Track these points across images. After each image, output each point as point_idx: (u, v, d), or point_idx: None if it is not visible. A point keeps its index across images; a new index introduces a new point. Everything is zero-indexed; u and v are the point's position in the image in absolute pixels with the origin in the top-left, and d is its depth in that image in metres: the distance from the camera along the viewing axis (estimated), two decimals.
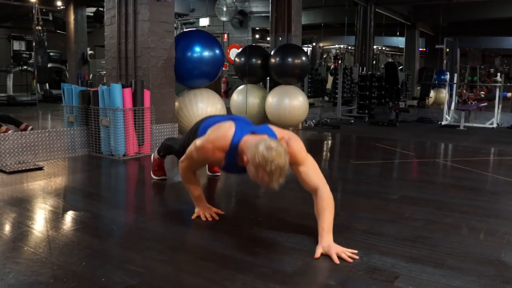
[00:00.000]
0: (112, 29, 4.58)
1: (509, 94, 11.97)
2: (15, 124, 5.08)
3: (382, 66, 11.95)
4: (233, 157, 2.14)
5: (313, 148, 5.54)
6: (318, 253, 1.92)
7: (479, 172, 3.86)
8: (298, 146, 2.14)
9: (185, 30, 9.61)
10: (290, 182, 2.41)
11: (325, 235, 1.99)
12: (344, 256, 1.90)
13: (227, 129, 2.14)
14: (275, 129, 2.21)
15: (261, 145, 1.91)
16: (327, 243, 1.96)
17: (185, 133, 2.84)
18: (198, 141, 2.22)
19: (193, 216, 2.43)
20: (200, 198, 2.47)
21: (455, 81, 8.43)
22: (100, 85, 4.97)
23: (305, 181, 2.13)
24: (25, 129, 4.87)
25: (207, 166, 3.50)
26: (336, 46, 13.70)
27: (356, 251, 1.96)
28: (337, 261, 1.86)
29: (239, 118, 2.49)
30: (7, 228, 2.26)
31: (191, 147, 2.27)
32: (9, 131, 4.45)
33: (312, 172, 2.14)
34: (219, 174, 3.49)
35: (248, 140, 2.06)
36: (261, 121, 6.62)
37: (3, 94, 9.28)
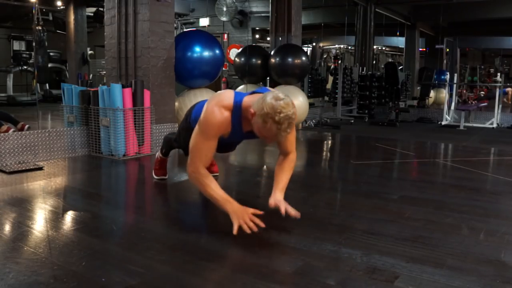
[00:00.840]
0: (112, 29, 4.58)
1: (508, 89, 11.96)
2: (13, 123, 5.08)
3: (382, 66, 11.95)
4: (237, 119, 2.11)
5: (313, 148, 5.54)
6: (272, 203, 2.21)
7: (479, 172, 3.86)
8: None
9: (185, 30, 9.61)
10: (290, 182, 2.42)
11: (278, 192, 2.28)
12: (289, 210, 2.19)
13: (227, 91, 2.17)
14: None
15: (269, 96, 1.93)
16: (279, 197, 2.25)
17: (181, 121, 2.81)
18: (202, 114, 2.15)
19: (235, 231, 2.05)
20: (229, 199, 2.14)
21: (455, 81, 8.43)
22: (100, 85, 4.98)
23: (283, 144, 2.31)
24: (21, 129, 4.87)
25: None
26: (336, 46, 13.70)
27: (298, 213, 2.20)
28: (284, 211, 2.17)
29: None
30: (7, 228, 2.26)
31: (195, 131, 2.16)
32: (10, 131, 4.45)
33: (291, 140, 2.34)
34: (217, 174, 3.49)
35: (251, 98, 2.07)
36: None
37: (3, 94, 9.28)
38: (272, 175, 2.44)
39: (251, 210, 2.13)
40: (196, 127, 2.18)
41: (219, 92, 2.23)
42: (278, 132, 1.91)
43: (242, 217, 2.09)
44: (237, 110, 2.10)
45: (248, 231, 2.04)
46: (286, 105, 1.89)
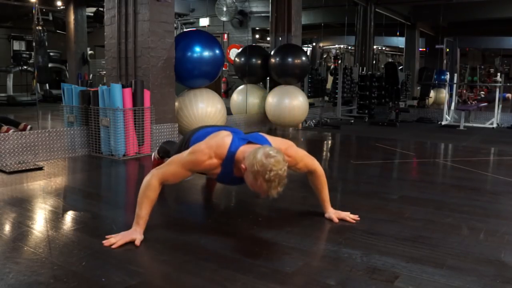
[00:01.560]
0: (112, 29, 4.58)
1: (508, 95, 11.96)
2: (13, 125, 5.07)
3: (382, 66, 11.94)
4: (229, 166, 2.13)
5: (313, 148, 5.54)
6: (336, 219, 2.40)
7: (479, 172, 3.86)
8: (294, 151, 2.30)
9: (185, 30, 9.61)
10: (290, 182, 2.41)
11: (328, 206, 2.47)
12: (347, 218, 2.41)
13: (225, 138, 2.14)
14: (268, 138, 2.25)
15: (259, 152, 1.93)
16: (332, 211, 2.46)
17: (180, 140, 2.79)
18: (192, 147, 2.15)
19: (106, 242, 2.02)
20: (144, 220, 2.08)
21: (455, 81, 8.43)
22: (100, 85, 4.98)
23: (303, 167, 2.37)
24: (24, 129, 4.86)
25: None
26: (336, 46, 13.69)
27: (358, 218, 2.42)
28: (349, 219, 2.42)
29: (233, 129, 2.43)
30: (7, 228, 2.26)
31: (182, 154, 2.16)
32: (10, 131, 4.45)
33: (307, 160, 2.39)
34: None
35: (246, 149, 2.06)
36: (261, 121, 6.63)
37: (3, 94, 9.28)
38: None
39: (137, 241, 2.02)
40: (185, 152, 2.16)
41: (218, 137, 2.17)
42: (268, 189, 1.92)
43: (129, 236, 2.04)
44: (230, 159, 2.11)
45: (107, 243, 2.00)
46: (276, 163, 1.89)
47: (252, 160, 1.92)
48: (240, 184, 2.29)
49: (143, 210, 2.08)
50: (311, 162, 2.40)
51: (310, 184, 2.49)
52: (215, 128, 2.41)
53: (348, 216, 2.43)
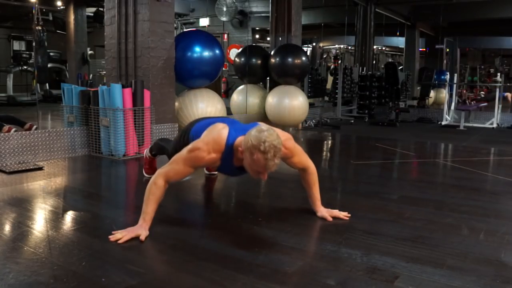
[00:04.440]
0: (112, 29, 4.58)
1: (507, 94, 11.96)
2: (19, 125, 5.07)
3: (382, 66, 11.94)
4: (228, 157, 2.17)
5: (313, 148, 5.54)
6: (329, 217, 2.39)
7: (479, 172, 3.86)
8: (292, 144, 2.31)
9: (185, 30, 9.60)
10: (290, 182, 2.41)
11: (319, 204, 2.47)
12: (339, 215, 2.42)
13: (221, 131, 2.17)
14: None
15: (253, 130, 2.01)
16: (324, 209, 2.46)
17: (177, 135, 2.82)
18: (191, 145, 2.19)
19: (112, 238, 2.07)
20: (150, 217, 2.15)
21: (455, 81, 8.43)
22: (100, 85, 4.97)
23: (298, 164, 2.40)
24: (29, 129, 4.86)
25: None
26: (336, 46, 13.68)
27: (349, 215, 2.43)
28: (331, 219, 2.40)
29: (230, 120, 2.46)
30: (7, 228, 2.26)
31: (182, 152, 2.19)
32: (12, 130, 4.45)
33: (302, 157, 2.41)
34: (216, 173, 3.50)
35: (242, 138, 2.10)
36: (261, 121, 6.61)
37: (3, 94, 9.27)
38: (272, 175, 2.43)
39: (142, 237, 2.06)
40: (185, 149, 2.20)
41: (214, 131, 2.20)
42: (266, 162, 1.95)
43: (135, 231, 2.09)
44: (229, 151, 2.16)
45: (113, 239, 2.05)
46: (269, 135, 1.96)
47: (247, 137, 2.00)
48: (240, 175, 2.39)
49: (149, 207, 2.15)
50: (306, 159, 2.44)
51: (302, 183, 2.52)
52: (212, 120, 2.43)
53: (340, 213, 2.46)
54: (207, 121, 2.44)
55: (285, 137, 2.26)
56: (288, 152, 2.28)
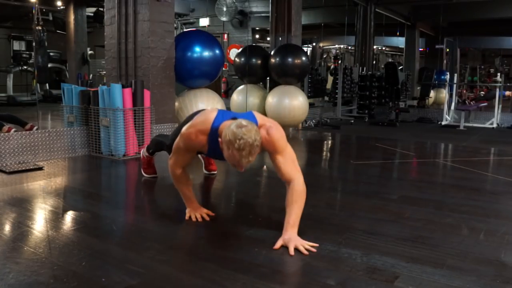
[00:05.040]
0: (112, 29, 4.58)
1: (507, 93, 11.97)
2: (20, 125, 5.07)
3: (382, 66, 11.94)
4: (214, 140, 2.16)
5: (313, 148, 5.54)
6: (278, 245, 2.02)
7: (479, 172, 3.86)
8: (278, 134, 2.17)
9: (185, 30, 9.60)
10: None
11: (289, 228, 2.07)
12: (301, 248, 1.98)
13: (209, 114, 2.22)
14: (258, 116, 2.23)
15: (233, 123, 1.99)
16: (288, 236, 2.04)
17: (178, 126, 2.84)
18: (182, 130, 2.28)
19: (186, 217, 2.42)
20: (191, 198, 2.45)
21: (455, 81, 8.43)
22: (100, 85, 4.97)
23: (281, 171, 2.18)
24: (30, 129, 4.86)
25: (203, 164, 3.51)
26: (336, 46, 13.69)
27: (316, 245, 2.03)
28: (292, 252, 1.95)
29: (228, 111, 2.46)
30: (7, 228, 2.26)
31: (177, 140, 2.32)
32: (12, 131, 4.45)
33: (288, 162, 2.18)
34: (215, 172, 3.50)
35: (227, 123, 2.10)
36: None
37: (3, 94, 9.28)
38: (272, 175, 2.44)
39: (205, 210, 2.45)
40: (178, 137, 2.31)
41: (202, 113, 2.31)
42: (240, 158, 1.95)
43: (194, 212, 2.43)
44: (214, 134, 2.16)
45: (194, 219, 2.39)
46: (247, 132, 1.93)
47: (226, 130, 1.99)
48: None
49: (185, 192, 2.43)
50: (291, 168, 2.16)
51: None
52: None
53: (303, 245, 2.00)
54: (201, 110, 2.51)
55: (271, 124, 2.18)
56: (268, 142, 2.11)
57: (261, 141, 2.01)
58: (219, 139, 2.06)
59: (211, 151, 2.27)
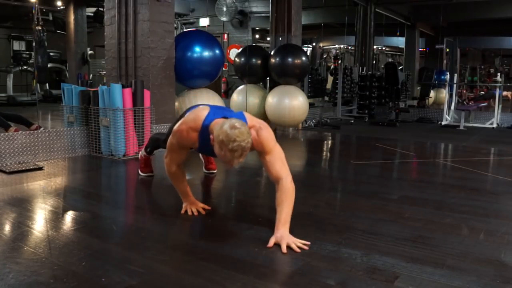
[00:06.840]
0: (112, 29, 4.58)
1: (504, 93, 11.96)
2: (25, 125, 5.07)
3: (382, 66, 11.95)
4: (205, 137, 2.20)
5: (313, 148, 5.54)
6: (271, 243, 2.04)
7: (479, 172, 3.86)
8: (267, 135, 2.21)
9: (185, 30, 9.60)
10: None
11: (280, 226, 2.10)
12: (293, 246, 1.99)
13: (200, 111, 2.25)
14: (248, 116, 2.27)
15: (226, 124, 2.00)
16: (280, 233, 2.07)
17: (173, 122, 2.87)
18: (174, 127, 2.33)
19: (182, 211, 2.49)
20: (187, 193, 2.52)
21: (455, 81, 8.43)
22: (100, 85, 4.97)
23: (269, 170, 2.22)
24: (36, 130, 4.85)
25: (203, 164, 3.51)
26: (336, 46, 13.69)
27: (308, 243, 2.04)
28: (284, 250, 1.97)
29: (219, 106, 2.55)
30: (7, 228, 2.26)
31: (170, 137, 2.36)
32: (18, 132, 4.44)
33: (277, 162, 2.21)
34: (215, 171, 3.51)
35: (219, 122, 2.11)
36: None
37: (3, 94, 9.28)
38: None
39: (201, 204, 2.54)
40: (171, 135, 2.37)
41: (194, 110, 2.36)
42: (232, 159, 1.99)
43: (190, 206, 2.50)
44: (205, 130, 2.21)
45: (190, 213, 2.47)
46: (240, 134, 1.95)
47: (218, 130, 2.01)
48: None
49: (181, 188, 2.50)
50: (280, 168, 2.18)
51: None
52: (203, 105, 2.48)
53: (295, 243, 2.02)
54: (196, 105, 2.56)
55: (261, 125, 2.21)
56: (258, 143, 2.15)
57: (251, 142, 2.04)
58: (211, 136, 2.09)
59: (202, 147, 2.33)
